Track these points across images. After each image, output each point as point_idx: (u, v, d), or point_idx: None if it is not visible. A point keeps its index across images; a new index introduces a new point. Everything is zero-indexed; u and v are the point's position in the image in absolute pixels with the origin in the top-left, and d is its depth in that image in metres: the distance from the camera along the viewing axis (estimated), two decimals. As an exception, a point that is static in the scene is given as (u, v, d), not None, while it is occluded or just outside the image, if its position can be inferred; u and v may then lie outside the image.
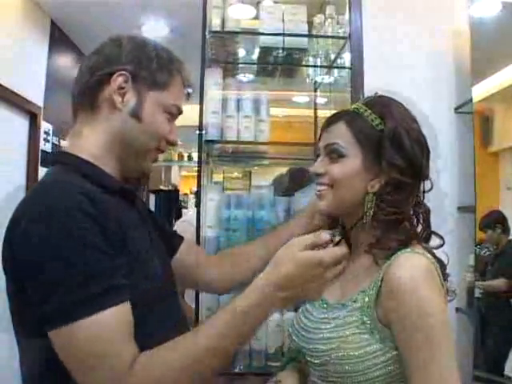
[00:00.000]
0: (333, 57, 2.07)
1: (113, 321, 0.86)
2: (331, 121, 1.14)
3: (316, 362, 1.04)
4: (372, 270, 1.05)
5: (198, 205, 1.77)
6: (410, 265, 0.98)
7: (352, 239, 1.16)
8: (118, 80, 1.04)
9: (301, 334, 1.12)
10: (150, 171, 1.15)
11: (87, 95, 1.06)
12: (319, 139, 1.17)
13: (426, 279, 0.96)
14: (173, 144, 1.13)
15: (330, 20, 2.00)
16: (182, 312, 1.17)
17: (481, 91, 2.22)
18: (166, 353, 0.90)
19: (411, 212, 1.10)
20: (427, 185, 1.15)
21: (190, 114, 1.43)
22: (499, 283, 2.23)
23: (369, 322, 0.99)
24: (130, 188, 1.10)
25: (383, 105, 1.11)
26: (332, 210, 1.12)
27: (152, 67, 1.07)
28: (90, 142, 1.05)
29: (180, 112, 1.13)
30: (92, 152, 1.04)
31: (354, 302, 1.04)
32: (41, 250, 0.86)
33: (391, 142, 1.06)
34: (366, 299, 1.01)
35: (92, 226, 0.88)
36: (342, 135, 1.09)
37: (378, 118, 1.08)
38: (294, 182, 2.12)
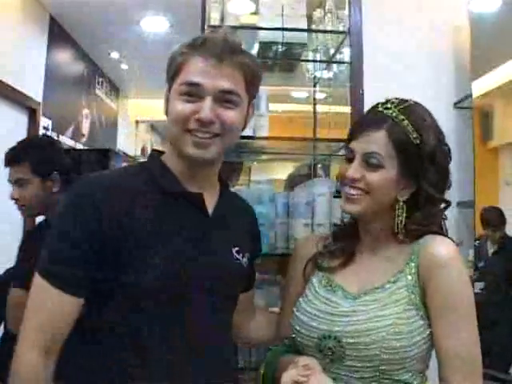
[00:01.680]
0: (332, 52, 2.06)
1: (50, 298, 1.03)
2: (369, 126, 1.13)
3: (365, 340, 1.06)
4: (399, 255, 1.15)
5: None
6: (446, 243, 1.12)
7: (365, 235, 1.22)
8: (165, 94, 1.16)
9: (330, 319, 1.12)
10: (196, 156, 1.10)
11: None
12: (350, 140, 1.17)
13: (459, 256, 1.11)
14: (201, 121, 1.07)
15: (329, 15, 1.99)
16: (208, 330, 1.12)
17: (480, 87, 2.22)
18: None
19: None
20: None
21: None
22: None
23: (415, 299, 1.09)
24: (185, 192, 1.14)
25: (419, 116, 1.15)
26: (363, 214, 1.16)
27: (167, 68, 1.15)
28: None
29: (193, 84, 1.08)
30: (167, 153, 1.20)
31: (394, 282, 1.12)
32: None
33: (430, 159, 1.13)
34: (410, 278, 1.11)
35: (89, 217, 1.04)
36: (382, 146, 1.11)
37: (415, 132, 1.11)
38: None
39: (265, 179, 2.18)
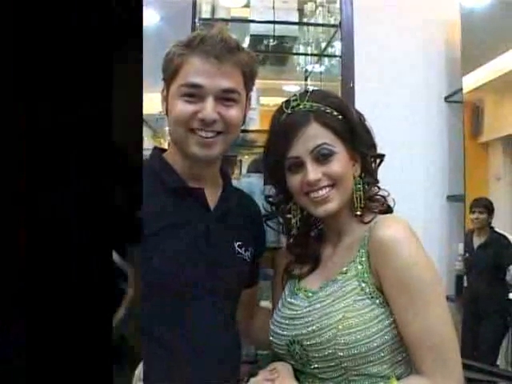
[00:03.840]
0: (323, 45, 2.06)
1: None
2: (299, 126, 1.08)
3: (320, 340, 1.02)
4: (353, 244, 1.10)
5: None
6: (392, 223, 1.06)
7: (328, 230, 1.19)
8: (162, 93, 1.18)
9: (292, 324, 1.10)
10: (201, 156, 1.12)
11: None
12: (285, 150, 1.09)
13: (409, 234, 1.03)
14: (204, 121, 1.08)
15: (320, 8, 2.00)
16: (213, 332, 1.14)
17: (471, 81, 2.22)
18: None
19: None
20: None
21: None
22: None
23: (367, 287, 1.03)
24: (186, 187, 1.15)
25: (326, 95, 1.14)
26: (336, 208, 1.10)
27: (164, 67, 1.15)
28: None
29: (194, 85, 1.08)
30: (169, 151, 1.23)
31: (345, 273, 1.06)
32: None
33: (361, 127, 1.14)
34: (359, 266, 1.05)
35: None
36: (322, 135, 1.08)
37: (334, 110, 1.10)
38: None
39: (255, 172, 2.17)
